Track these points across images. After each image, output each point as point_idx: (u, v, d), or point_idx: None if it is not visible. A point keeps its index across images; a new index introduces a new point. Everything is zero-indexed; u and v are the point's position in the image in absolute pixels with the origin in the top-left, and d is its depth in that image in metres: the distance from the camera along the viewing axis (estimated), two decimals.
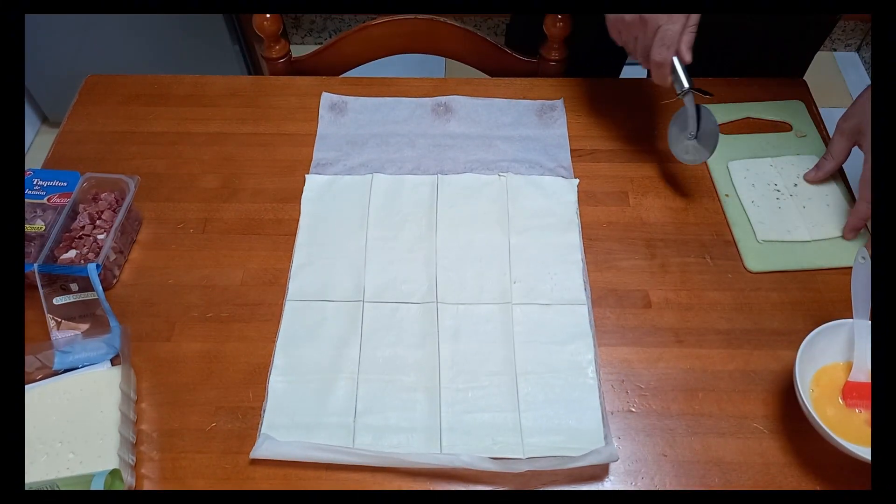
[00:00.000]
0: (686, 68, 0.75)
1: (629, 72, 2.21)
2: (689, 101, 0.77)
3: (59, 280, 0.71)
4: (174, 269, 0.76)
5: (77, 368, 0.66)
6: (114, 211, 0.76)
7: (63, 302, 0.71)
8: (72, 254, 0.72)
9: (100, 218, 0.75)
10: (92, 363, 0.66)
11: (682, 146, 0.81)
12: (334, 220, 0.79)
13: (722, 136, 0.87)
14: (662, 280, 0.74)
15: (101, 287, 0.69)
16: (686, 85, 0.75)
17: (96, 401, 0.63)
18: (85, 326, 0.70)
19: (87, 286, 0.70)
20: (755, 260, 0.75)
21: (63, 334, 0.69)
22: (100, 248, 0.72)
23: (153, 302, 0.73)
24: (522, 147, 0.87)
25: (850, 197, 0.80)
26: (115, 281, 0.75)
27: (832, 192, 0.81)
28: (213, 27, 1.78)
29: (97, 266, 0.69)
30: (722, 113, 0.90)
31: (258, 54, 1.92)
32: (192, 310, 0.73)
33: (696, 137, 0.79)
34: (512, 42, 1.05)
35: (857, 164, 0.75)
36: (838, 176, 0.82)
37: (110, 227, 0.74)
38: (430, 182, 0.83)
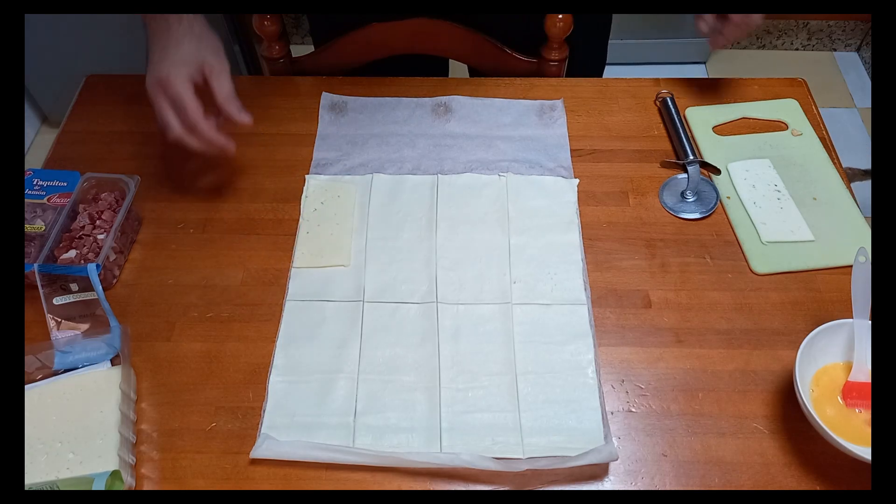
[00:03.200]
0: (691, 141, 0.83)
1: (629, 72, 2.21)
2: (693, 171, 0.82)
3: (59, 280, 0.71)
4: (174, 269, 0.76)
5: (77, 368, 0.66)
6: (114, 211, 0.76)
7: (63, 302, 0.71)
8: (72, 254, 0.72)
9: (100, 218, 0.75)
10: (92, 363, 0.66)
11: (679, 206, 0.81)
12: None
13: (720, 138, 0.88)
14: (662, 280, 0.74)
15: (101, 287, 0.69)
16: (691, 156, 0.81)
17: (96, 401, 0.63)
18: (85, 326, 0.70)
19: (87, 286, 0.70)
20: (761, 262, 0.75)
21: (63, 334, 0.69)
22: (100, 248, 0.72)
23: (153, 302, 0.73)
24: (522, 147, 0.87)
25: (850, 193, 0.80)
26: (114, 281, 0.75)
27: (833, 190, 0.81)
28: (212, 27, 1.78)
29: (97, 266, 0.69)
30: (718, 113, 0.90)
31: (258, 54, 1.91)
32: (191, 310, 0.73)
33: (694, 200, 0.81)
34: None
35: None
36: (839, 174, 0.82)
37: (110, 227, 0.74)
38: (429, 182, 0.83)
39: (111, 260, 0.74)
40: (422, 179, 0.83)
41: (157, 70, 0.67)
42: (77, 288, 0.71)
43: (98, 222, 0.75)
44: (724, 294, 0.73)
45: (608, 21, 1.10)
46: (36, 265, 0.69)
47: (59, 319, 0.70)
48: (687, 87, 0.93)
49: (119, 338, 0.67)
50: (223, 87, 0.69)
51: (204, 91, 0.70)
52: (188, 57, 0.67)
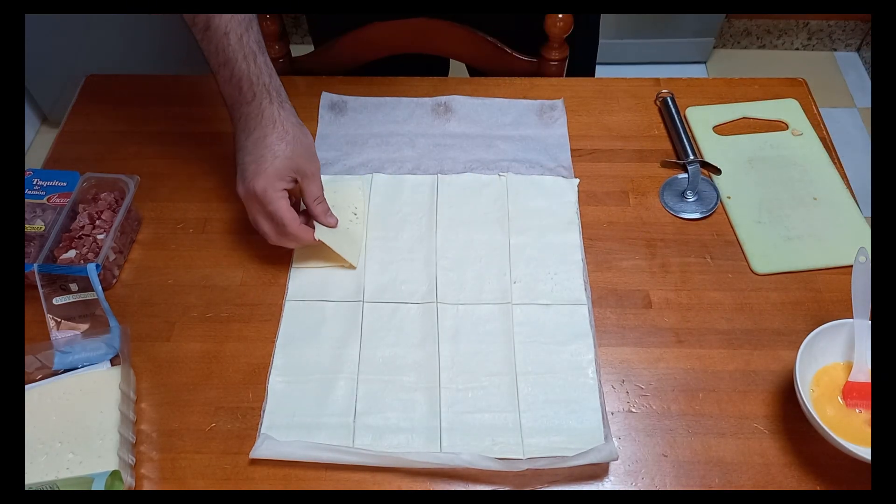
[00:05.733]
0: (691, 141, 0.83)
1: (629, 71, 2.21)
2: (693, 171, 0.82)
3: (58, 280, 0.71)
4: (174, 269, 0.76)
5: (77, 368, 0.66)
6: (113, 211, 0.76)
7: (63, 302, 0.71)
8: (71, 254, 0.72)
9: (99, 218, 0.75)
10: (92, 363, 0.66)
11: (679, 205, 0.81)
12: None
13: (720, 138, 0.88)
14: (663, 280, 0.74)
15: (100, 287, 0.69)
16: (691, 156, 0.82)
17: (96, 401, 0.63)
18: (85, 326, 0.70)
19: (86, 286, 0.70)
20: (762, 262, 0.75)
21: (63, 334, 0.69)
22: (99, 248, 0.72)
23: (153, 302, 0.73)
24: (522, 147, 0.87)
25: (850, 193, 0.81)
26: (114, 281, 0.75)
27: (833, 190, 0.81)
28: None
29: (97, 266, 0.69)
30: (718, 113, 0.90)
31: None
32: (191, 310, 0.73)
33: (694, 199, 0.81)
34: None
35: (863, 171, 0.74)
36: (839, 174, 0.82)
37: (110, 227, 0.74)
38: (429, 182, 0.83)
39: (111, 260, 0.74)
40: (422, 179, 0.83)
41: (253, 183, 0.68)
42: (77, 288, 0.71)
43: (98, 222, 0.75)
44: (724, 294, 0.73)
45: (597, 18, 1.10)
46: (35, 265, 0.69)
47: (59, 319, 0.70)
48: (687, 86, 0.93)
49: (119, 338, 0.67)
50: (312, 191, 0.72)
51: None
52: (283, 169, 0.69)
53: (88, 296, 0.71)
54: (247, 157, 0.69)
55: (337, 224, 0.74)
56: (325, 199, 0.74)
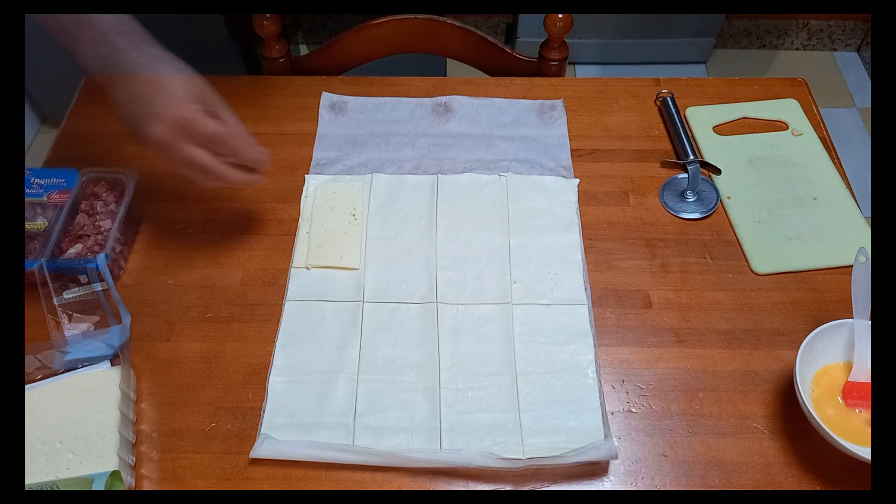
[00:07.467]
0: (691, 141, 0.83)
1: (629, 71, 2.20)
2: (693, 171, 0.81)
3: (60, 279, 0.71)
4: (174, 269, 0.76)
5: (77, 368, 0.66)
6: (117, 203, 0.76)
7: (64, 301, 0.71)
8: (77, 247, 0.72)
9: (100, 213, 0.75)
10: (91, 363, 0.66)
11: (679, 205, 0.81)
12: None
13: (720, 138, 0.87)
14: (663, 280, 0.74)
15: (111, 278, 0.69)
16: (691, 156, 0.82)
17: (96, 401, 0.63)
18: (84, 326, 0.70)
19: (88, 284, 0.70)
20: (762, 262, 0.75)
21: (64, 332, 0.69)
22: (105, 240, 0.72)
23: (153, 302, 0.73)
24: (522, 147, 0.87)
25: (850, 193, 0.81)
26: (120, 273, 0.75)
27: (833, 190, 0.81)
28: (213, 27, 1.77)
29: (106, 256, 0.69)
30: (718, 113, 0.90)
31: (258, 54, 1.91)
32: (191, 310, 0.73)
33: (694, 199, 0.81)
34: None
35: (863, 171, 0.74)
36: (839, 174, 0.82)
37: (112, 222, 0.74)
38: (429, 182, 0.83)
39: (116, 251, 0.74)
40: (422, 179, 0.83)
41: (169, 113, 0.58)
42: (78, 287, 0.71)
43: (99, 217, 0.75)
44: (724, 294, 0.73)
45: None
46: (39, 261, 0.69)
47: (61, 318, 0.70)
48: (687, 86, 0.93)
49: (119, 337, 0.67)
50: (235, 122, 0.64)
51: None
52: (191, 95, 0.60)
53: (90, 295, 0.71)
54: (143, 102, 0.60)
55: (268, 155, 0.66)
56: (247, 131, 0.65)
